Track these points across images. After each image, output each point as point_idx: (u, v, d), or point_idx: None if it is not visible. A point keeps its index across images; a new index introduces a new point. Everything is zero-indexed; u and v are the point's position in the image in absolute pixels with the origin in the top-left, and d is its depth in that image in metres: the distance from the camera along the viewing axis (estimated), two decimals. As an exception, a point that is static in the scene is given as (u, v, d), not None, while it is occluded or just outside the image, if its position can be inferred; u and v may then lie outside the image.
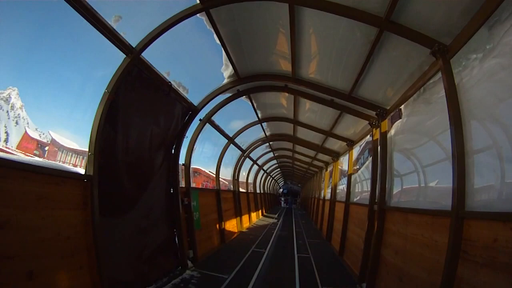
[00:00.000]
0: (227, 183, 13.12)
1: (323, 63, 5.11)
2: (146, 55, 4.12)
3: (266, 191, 21.01)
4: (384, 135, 5.45)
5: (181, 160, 6.33)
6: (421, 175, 4.19)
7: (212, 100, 6.17)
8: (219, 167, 8.39)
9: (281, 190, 38.46)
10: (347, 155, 9.14)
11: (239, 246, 7.89)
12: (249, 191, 13.33)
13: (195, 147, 6.75)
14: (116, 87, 3.73)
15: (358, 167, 8.47)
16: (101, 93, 3.70)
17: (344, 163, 10.06)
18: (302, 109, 7.35)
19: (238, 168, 10.84)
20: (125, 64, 3.76)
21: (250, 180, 15.41)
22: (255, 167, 14.93)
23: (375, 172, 5.71)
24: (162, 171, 5.35)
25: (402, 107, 4.98)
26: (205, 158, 10.70)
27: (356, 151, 9.86)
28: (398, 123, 5.31)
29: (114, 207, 4.00)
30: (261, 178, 18.18)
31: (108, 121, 3.77)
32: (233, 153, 10.29)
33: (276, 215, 19.01)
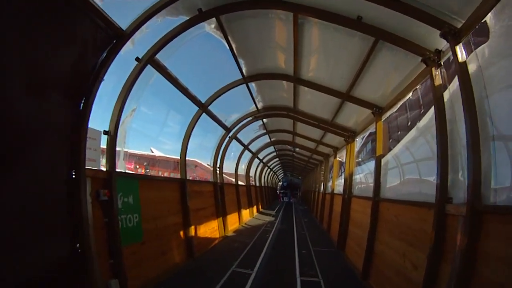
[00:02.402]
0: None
1: None
2: None
3: (262, 184, 18.44)
4: (462, 71, 2.85)
5: (103, 125, 3.77)
6: None
7: (153, 23, 3.58)
8: (186, 146, 5.76)
9: (280, 183, 36.16)
10: (370, 130, 6.52)
11: (214, 264, 5.34)
12: (238, 183, 10.74)
13: (135, 107, 4.21)
14: None
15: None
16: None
17: (362, 144, 7.47)
18: (306, 49, 4.66)
19: (221, 153, 8.22)
20: None
21: (242, 171, 12.84)
22: (248, 155, 12.33)
23: (445, 141, 3.13)
24: (54, 138, 2.84)
25: (488, 17, 2.54)
26: (205, 150, 8.34)
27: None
28: (484, 47, 2.74)
29: None
30: (256, 169, 15.59)
31: None
32: (212, 133, 7.69)
33: (274, 211, 16.49)
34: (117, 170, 3.74)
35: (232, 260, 5.56)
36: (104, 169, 3.66)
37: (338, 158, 10.07)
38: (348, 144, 7.76)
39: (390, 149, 5.30)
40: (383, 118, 5.53)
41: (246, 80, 5.76)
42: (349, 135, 7.42)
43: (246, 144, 10.41)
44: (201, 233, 6.34)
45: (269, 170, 21.17)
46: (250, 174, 13.93)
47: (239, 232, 8.62)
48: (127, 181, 4.03)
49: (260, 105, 7.50)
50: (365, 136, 7.09)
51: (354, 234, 6.50)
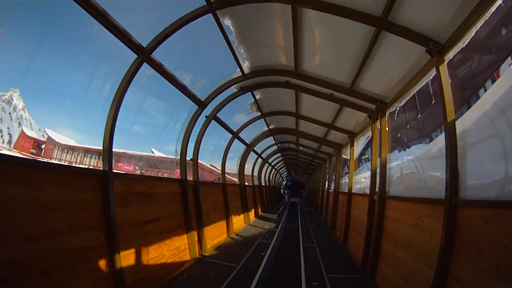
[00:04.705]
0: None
1: None
2: None
3: (262, 183, 16.04)
4: None
5: None
6: None
7: None
8: (114, 120, 3.41)
9: (284, 182, 33.91)
10: (417, 89, 4.16)
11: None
12: (227, 182, 8.39)
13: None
14: None
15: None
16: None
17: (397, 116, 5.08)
18: None
19: (196, 138, 5.91)
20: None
21: (234, 168, 10.53)
22: (241, 147, 10.01)
23: None
24: None
25: None
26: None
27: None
28: None
29: None
30: (253, 165, 13.25)
31: None
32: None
33: (276, 215, 14.08)
34: None
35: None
36: None
37: (355, 147, 7.67)
38: (375, 122, 5.39)
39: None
40: (448, 56, 3.18)
41: (212, 6, 3.45)
42: (378, 107, 5.03)
43: (235, 131, 8.08)
44: (151, 259, 4.02)
45: (270, 167, 18.77)
46: (246, 173, 11.60)
47: (224, 249, 6.28)
48: None
49: (246, 66, 5.17)
50: (403, 104, 4.67)
51: (394, 258, 4.11)
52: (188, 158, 5.51)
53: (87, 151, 57.48)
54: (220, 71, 5.13)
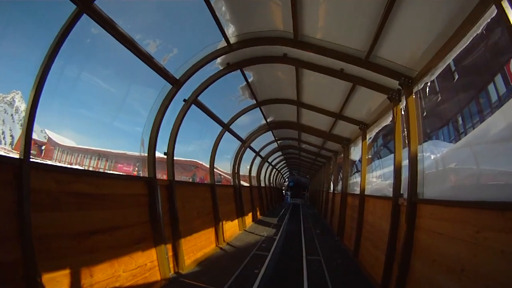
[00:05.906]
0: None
1: None
2: None
3: (261, 184, 14.85)
4: None
5: None
6: None
7: None
8: (39, 92, 2.33)
9: (286, 183, 32.92)
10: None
11: None
12: (222, 183, 7.25)
13: None
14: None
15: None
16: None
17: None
18: None
19: (171, 130, 4.79)
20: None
21: (227, 167, 9.43)
22: (234, 144, 8.89)
23: None
24: None
25: None
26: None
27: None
28: None
29: None
30: (251, 165, 12.10)
31: None
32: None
33: (277, 219, 12.87)
34: None
35: None
36: None
37: (368, 140, 6.51)
38: (397, 104, 4.26)
39: None
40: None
41: None
42: (402, 83, 3.88)
43: (226, 123, 6.95)
44: (97, 283, 2.89)
45: (271, 167, 17.58)
46: (241, 173, 10.46)
47: (209, 264, 5.14)
48: None
49: (231, 33, 4.04)
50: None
51: (433, 284, 2.94)
52: (161, 155, 4.39)
53: (86, 152, 57.04)
54: (199, 38, 4.01)
